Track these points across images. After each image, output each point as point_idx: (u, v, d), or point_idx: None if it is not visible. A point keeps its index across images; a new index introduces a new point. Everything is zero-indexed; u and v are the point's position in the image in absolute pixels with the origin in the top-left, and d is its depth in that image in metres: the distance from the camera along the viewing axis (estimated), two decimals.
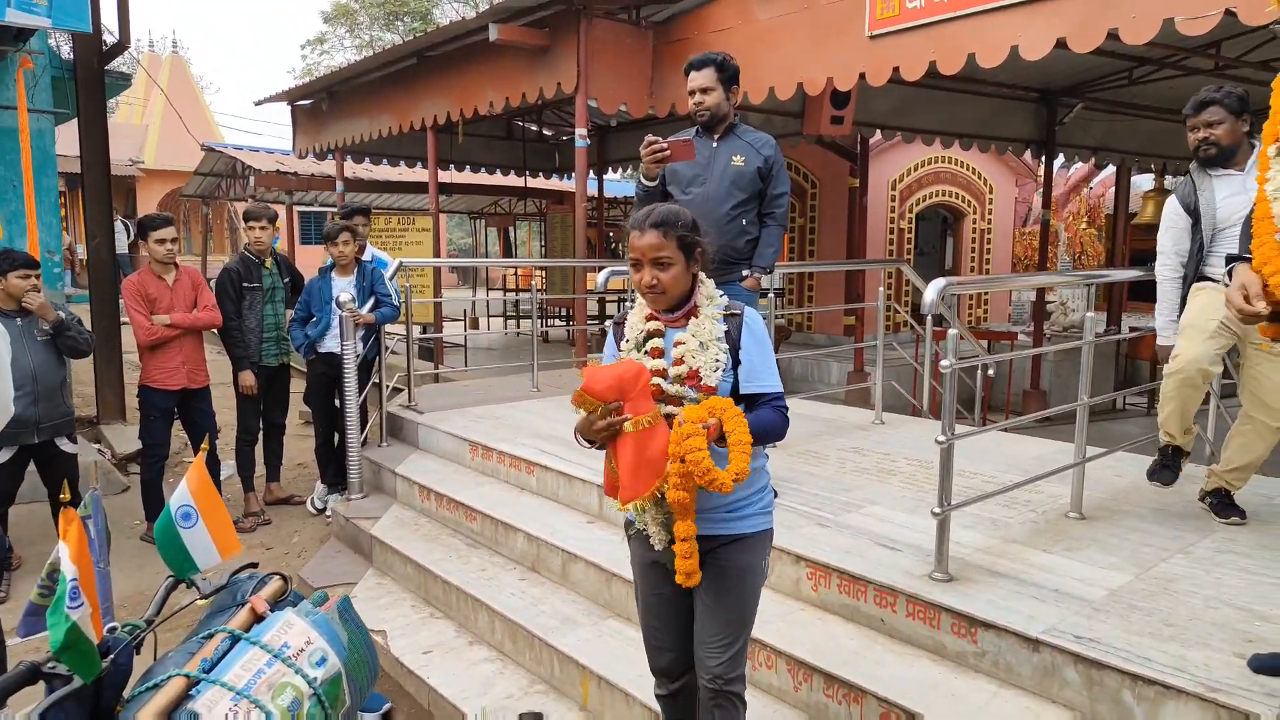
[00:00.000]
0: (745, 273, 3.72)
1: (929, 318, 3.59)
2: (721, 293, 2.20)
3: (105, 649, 1.55)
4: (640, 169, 3.62)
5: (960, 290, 10.66)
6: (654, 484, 1.98)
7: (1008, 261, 13.22)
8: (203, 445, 1.89)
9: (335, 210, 11.57)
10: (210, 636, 1.63)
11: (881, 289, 5.63)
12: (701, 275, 2.17)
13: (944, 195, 11.92)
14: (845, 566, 3.05)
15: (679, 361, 2.10)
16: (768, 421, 2.11)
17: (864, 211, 9.57)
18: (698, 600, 2.21)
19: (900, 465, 4.39)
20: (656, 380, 2.09)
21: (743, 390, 2.13)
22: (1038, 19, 4.75)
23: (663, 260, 2.08)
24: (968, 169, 12.12)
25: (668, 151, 3.35)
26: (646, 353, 2.14)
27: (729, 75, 3.63)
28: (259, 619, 1.69)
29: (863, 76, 5.71)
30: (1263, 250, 2.11)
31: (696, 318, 2.12)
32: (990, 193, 12.55)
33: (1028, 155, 10.70)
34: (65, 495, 1.75)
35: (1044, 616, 2.64)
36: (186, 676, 1.50)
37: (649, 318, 2.17)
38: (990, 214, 12.64)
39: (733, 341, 2.12)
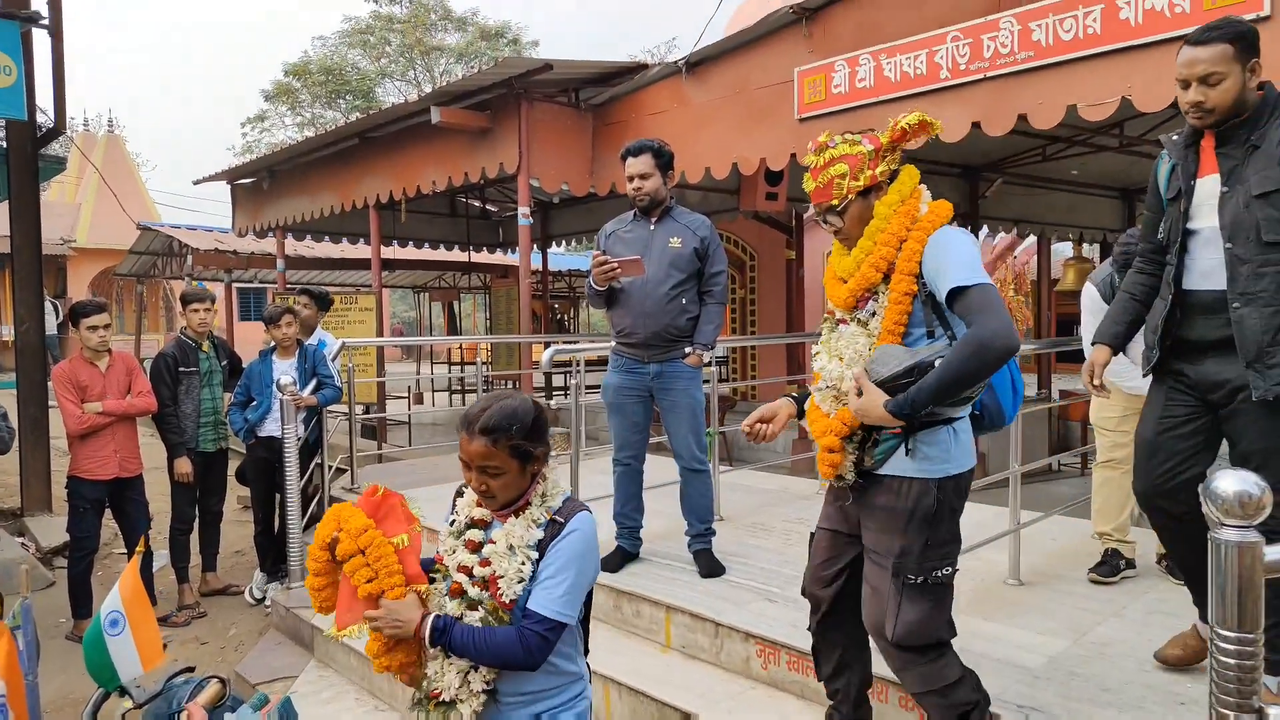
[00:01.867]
0: (688, 350, 3.80)
1: None
2: (564, 493, 1.93)
3: None
4: (590, 277, 3.78)
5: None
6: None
7: None
8: (138, 549, 1.85)
9: (276, 290, 11.45)
10: None
11: None
12: (545, 472, 1.92)
13: None
14: (793, 643, 3.07)
15: (485, 563, 1.86)
16: (496, 642, 1.77)
17: (801, 282, 9.86)
18: None
19: None
20: (459, 577, 1.89)
21: (530, 604, 1.80)
22: (954, 104, 5.04)
23: (490, 469, 1.83)
24: None
25: (618, 270, 3.62)
26: (464, 543, 1.94)
27: (665, 161, 3.78)
28: None
29: (794, 156, 5.96)
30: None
31: (518, 517, 1.88)
32: None
33: None
34: None
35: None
36: None
37: (478, 503, 1.95)
38: None
39: (544, 550, 1.84)
